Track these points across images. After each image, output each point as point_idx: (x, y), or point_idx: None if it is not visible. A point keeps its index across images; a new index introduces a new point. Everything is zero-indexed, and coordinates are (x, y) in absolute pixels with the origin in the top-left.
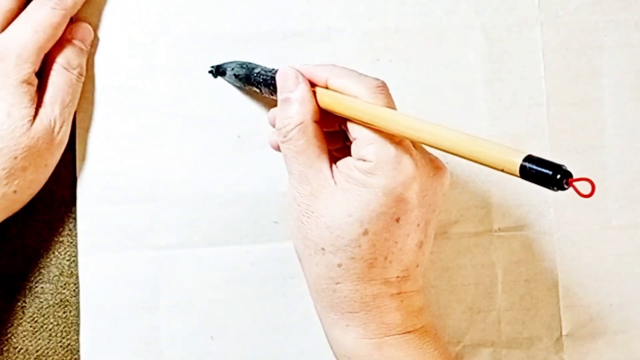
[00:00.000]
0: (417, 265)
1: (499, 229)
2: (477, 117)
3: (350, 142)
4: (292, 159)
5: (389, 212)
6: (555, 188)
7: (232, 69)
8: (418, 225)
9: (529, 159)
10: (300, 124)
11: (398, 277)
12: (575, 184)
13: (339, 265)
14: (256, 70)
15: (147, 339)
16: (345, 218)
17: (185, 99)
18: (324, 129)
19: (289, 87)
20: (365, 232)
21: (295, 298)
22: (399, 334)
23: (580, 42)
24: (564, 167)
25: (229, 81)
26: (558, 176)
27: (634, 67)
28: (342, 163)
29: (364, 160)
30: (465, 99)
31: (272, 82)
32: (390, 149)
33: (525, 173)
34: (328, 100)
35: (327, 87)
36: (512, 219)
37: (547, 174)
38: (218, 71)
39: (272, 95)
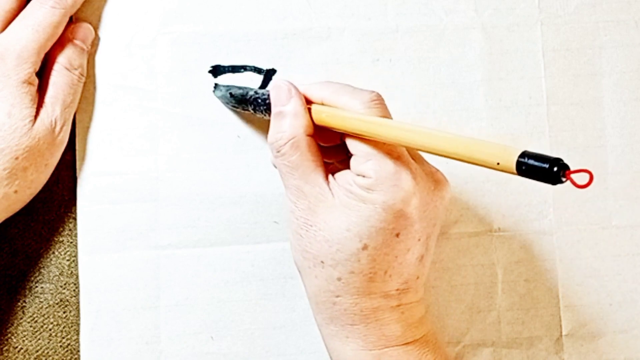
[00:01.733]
0: (418, 278)
1: (499, 229)
2: (477, 117)
3: (352, 155)
4: (287, 174)
5: (388, 228)
6: (553, 182)
7: (229, 88)
8: (419, 239)
9: (525, 154)
10: (293, 138)
11: (398, 289)
12: (573, 176)
13: (339, 279)
14: (252, 90)
15: (147, 338)
16: (344, 232)
17: (185, 99)
18: (326, 144)
19: (281, 101)
20: (365, 247)
21: (295, 298)
22: (399, 345)
23: (580, 42)
24: (561, 161)
25: (222, 100)
26: (555, 169)
27: (634, 67)
28: (341, 177)
29: (363, 176)
30: (465, 99)
31: (268, 101)
32: (389, 165)
33: (522, 170)
34: (324, 117)
35: (322, 104)
36: (512, 219)
37: (543, 168)
38: (216, 86)
39: (267, 115)
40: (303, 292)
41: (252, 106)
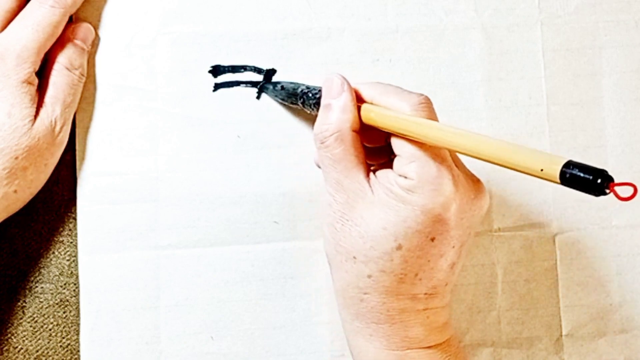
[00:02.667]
0: (446, 284)
1: (499, 229)
2: (477, 117)
3: (395, 156)
4: (329, 167)
5: (424, 231)
6: (596, 193)
7: (279, 82)
8: (453, 247)
9: (570, 164)
10: (338, 131)
11: (426, 294)
12: (616, 188)
13: (369, 276)
14: (304, 86)
15: (147, 339)
16: (380, 230)
17: (185, 99)
18: (371, 144)
19: (332, 94)
20: (399, 247)
21: (295, 298)
22: (421, 348)
23: (580, 42)
24: (605, 172)
25: (271, 94)
26: (599, 181)
27: (634, 67)
28: (383, 175)
29: (406, 177)
30: (465, 99)
31: (318, 96)
32: (432, 168)
33: (565, 179)
34: (373, 116)
35: (372, 103)
36: (512, 219)
37: (587, 179)
38: (261, 89)
39: (315, 110)
40: (303, 292)
41: (301, 100)
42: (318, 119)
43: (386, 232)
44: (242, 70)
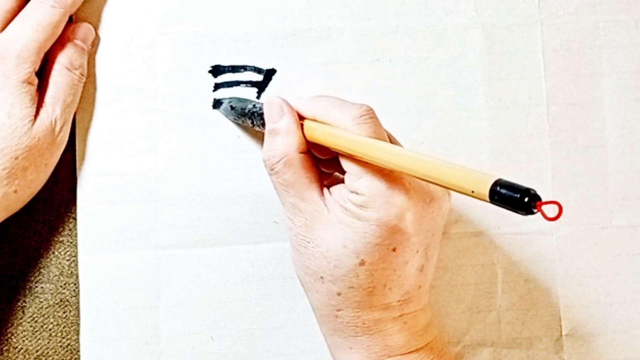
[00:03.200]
0: (420, 287)
1: (499, 229)
2: (477, 117)
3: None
4: (282, 192)
5: (384, 244)
6: (523, 212)
7: (230, 101)
8: (417, 251)
9: (498, 183)
10: (285, 156)
11: (399, 301)
12: (543, 207)
13: (339, 294)
14: (251, 104)
15: (147, 338)
16: (341, 249)
17: (185, 99)
18: (324, 156)
19: (273, 118)
20: (362, 263)
21: (295, 298)
22: (402, 355)
23: (580, 42)
24: (532, 191)
25: (223, 113)
26: (526, 199)
27: (634, 67)
28: (336, 192)
29: (357, 193)
30: (465, 99)
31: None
32: (381, 182)
33: (494, 199)
34: (317, 135)
35: (315, 120)
36: (512, 219)
37: (515, 198)
38: (216, 103)
39: (264, 129)
40: (303, 292)
41: (250, 120)
42: (264, 145)
43: (347, 250)
44: (242, 70)
